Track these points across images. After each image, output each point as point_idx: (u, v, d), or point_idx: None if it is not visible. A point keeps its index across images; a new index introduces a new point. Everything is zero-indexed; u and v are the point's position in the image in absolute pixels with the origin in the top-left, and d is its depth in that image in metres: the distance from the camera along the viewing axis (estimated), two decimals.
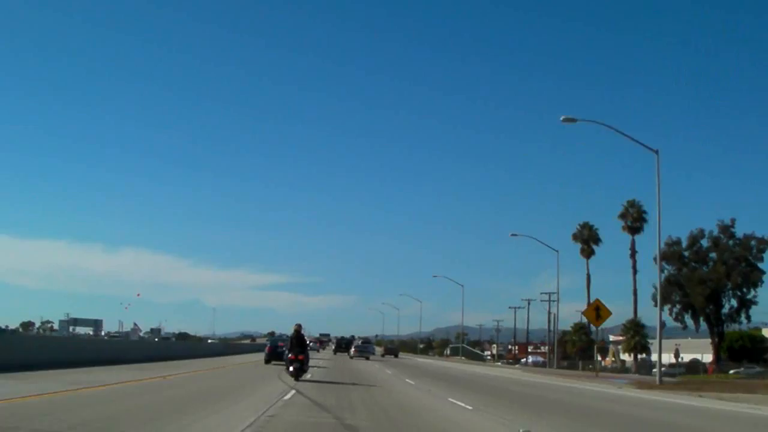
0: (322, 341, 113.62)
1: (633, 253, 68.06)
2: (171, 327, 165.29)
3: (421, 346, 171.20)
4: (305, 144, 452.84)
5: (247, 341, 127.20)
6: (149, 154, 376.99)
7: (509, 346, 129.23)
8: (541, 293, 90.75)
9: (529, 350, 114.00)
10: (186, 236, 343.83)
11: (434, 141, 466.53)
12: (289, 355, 24.54)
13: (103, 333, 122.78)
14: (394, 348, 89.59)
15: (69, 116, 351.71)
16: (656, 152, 42.54)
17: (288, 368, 24.46)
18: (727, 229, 69.14)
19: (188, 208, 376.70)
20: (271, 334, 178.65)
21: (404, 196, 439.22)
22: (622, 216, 69.32)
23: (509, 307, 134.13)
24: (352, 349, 71.30)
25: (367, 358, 65.05)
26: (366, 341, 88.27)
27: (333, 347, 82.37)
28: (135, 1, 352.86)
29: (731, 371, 62.29)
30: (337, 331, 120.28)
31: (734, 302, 68.41)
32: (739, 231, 69.20)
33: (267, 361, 36.38)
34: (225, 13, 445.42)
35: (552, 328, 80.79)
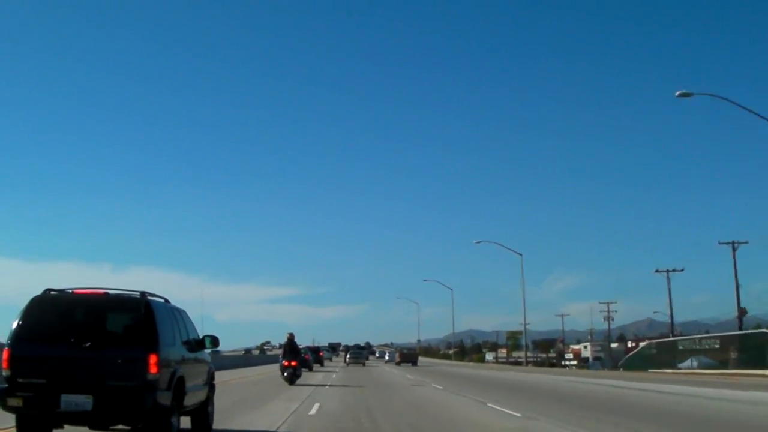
0: (334, 349, 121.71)
1: None
2: None
3: (451, 351, 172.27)
4: (310, 157, 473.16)
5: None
6: (154, 171, 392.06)
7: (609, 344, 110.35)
8: None
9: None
10: (194, 253, 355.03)
11: (442, 138, 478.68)
12: (283, 362, 28.92)
13: None
14: (412, 354, 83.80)
15: (73, 136, 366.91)
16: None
17: (282, 374, 28.76)
18: None
19: (195, 225, 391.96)
20: (267, 343, 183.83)
21: (410, 205, 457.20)
22: None
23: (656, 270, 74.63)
24: (348, 356, 72.01)
25: (363, 364, 67.43)
26: (359, 347, 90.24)
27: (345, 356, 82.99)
28: (135, 3, 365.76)
29: None
30: (351, 340, 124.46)
31: None
32: None
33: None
34: (251, 37, 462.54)
35: None
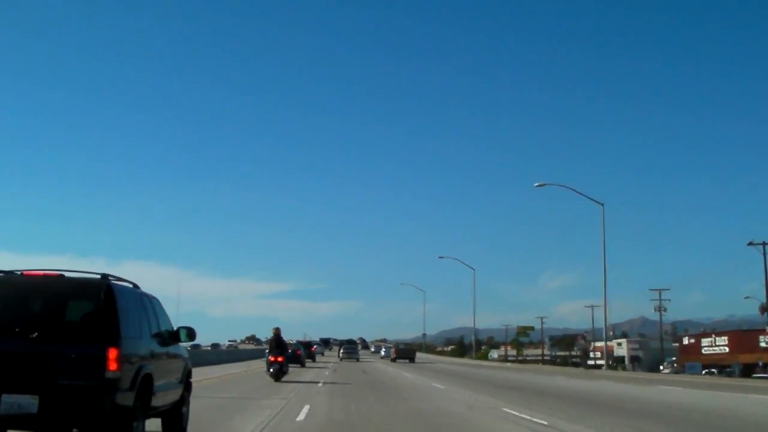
0: (327, 343, 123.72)
1: None
2: None
3: (448, 348, 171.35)
4: (305, 153, 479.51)
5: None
6: (149, 166, 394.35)
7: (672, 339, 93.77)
8: None
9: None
10: (189, 248, 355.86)
11: (438, 131, 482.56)
12: (269, 357, 28.07)
13: None
14: (408, 349, 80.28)
15: (70, 130, 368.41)
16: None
17: (268, 370, 27.93)
18: None
19: (190, 220, 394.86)
20: (252, 337, 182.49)
21: (404, 201, 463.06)
22: None
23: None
24: (341, 351, 73.83)
25: (357, 360, 68.23)
26: (352, 342, 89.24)
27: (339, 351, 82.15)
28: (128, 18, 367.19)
29: None
30: (345, 336, 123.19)
31: None
32: None
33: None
34: (235, 31, 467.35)
35: None
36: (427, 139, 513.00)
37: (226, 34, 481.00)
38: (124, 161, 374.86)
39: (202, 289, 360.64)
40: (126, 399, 8.46)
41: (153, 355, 9.69)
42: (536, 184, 57.92)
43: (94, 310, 8.55)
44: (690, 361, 74.43)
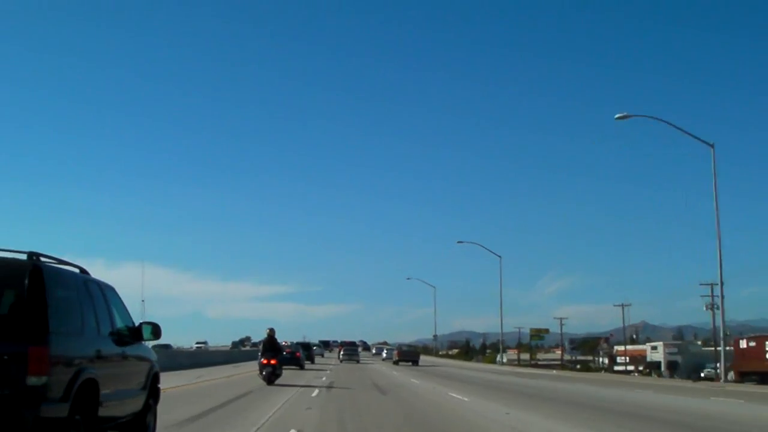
0: (326, 344, 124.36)
1: None
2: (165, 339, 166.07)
3: (452, 351, 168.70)
4: (303, 154, 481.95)
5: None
6: (148, 168, 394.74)
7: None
8: None
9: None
10: (187, 249, 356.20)
11: (437, 135, 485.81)
12: (262, 360, 26.68)
13: None
14: (412, 351, 76.44)
15: (68, 130, 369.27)
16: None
17: (261, 372, 26.56)
18: None
19: (189, 221, 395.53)
20: (246, 339, 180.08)
21: (402, 203, 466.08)
22: None
23: None
24: (341, 353, 73.61)
25: (358, 361, 67.46)
26: (351, 344, 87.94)
27: (339, 353, 78.70)
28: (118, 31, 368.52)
29: None
30: (344, 338, 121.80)
31: None
32: None
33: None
34: (230, 28, 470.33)
35: None
36: (425, 142, 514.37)
37: (225, 38, 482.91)
38: (123, 163, 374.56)
39: (200, 291, 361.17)
40: (57, 411, 6.75)
41: (101, 356, 7.97)
42: (618, 116, 45.83)
43: (16, 299, 6.82)
44: (750, 368, 60.13)
